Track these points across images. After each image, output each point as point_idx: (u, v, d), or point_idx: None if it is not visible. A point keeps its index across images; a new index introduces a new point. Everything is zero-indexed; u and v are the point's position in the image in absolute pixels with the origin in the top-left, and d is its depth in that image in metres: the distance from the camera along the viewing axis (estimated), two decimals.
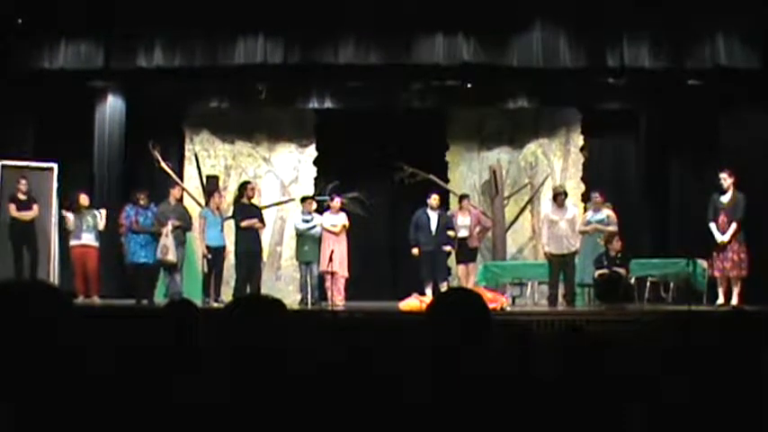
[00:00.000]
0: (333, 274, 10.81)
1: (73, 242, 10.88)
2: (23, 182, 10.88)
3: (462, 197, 12.04)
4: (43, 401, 1.71)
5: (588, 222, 11.12)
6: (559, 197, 10.88)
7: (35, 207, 10.98)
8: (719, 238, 10.05)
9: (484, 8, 10.48)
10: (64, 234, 11.08)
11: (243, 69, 10.93)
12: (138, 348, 2.93)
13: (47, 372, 1.74)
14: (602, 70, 11.13)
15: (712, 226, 10.13)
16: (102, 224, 10.90)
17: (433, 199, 11.33)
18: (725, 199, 10.13)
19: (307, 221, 11.24)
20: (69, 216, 10.87)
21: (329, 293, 10.86)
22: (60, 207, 11.18)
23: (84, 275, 10.81)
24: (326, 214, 11.40)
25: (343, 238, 11.30)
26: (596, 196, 11.31)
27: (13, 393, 1.70)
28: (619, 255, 10.42)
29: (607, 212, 11.14)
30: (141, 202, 10.61)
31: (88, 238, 10.84)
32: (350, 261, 11.37)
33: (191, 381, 2.20)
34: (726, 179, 10.12)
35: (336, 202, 11.48)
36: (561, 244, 10.63)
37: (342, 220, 11.35)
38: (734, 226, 9.99)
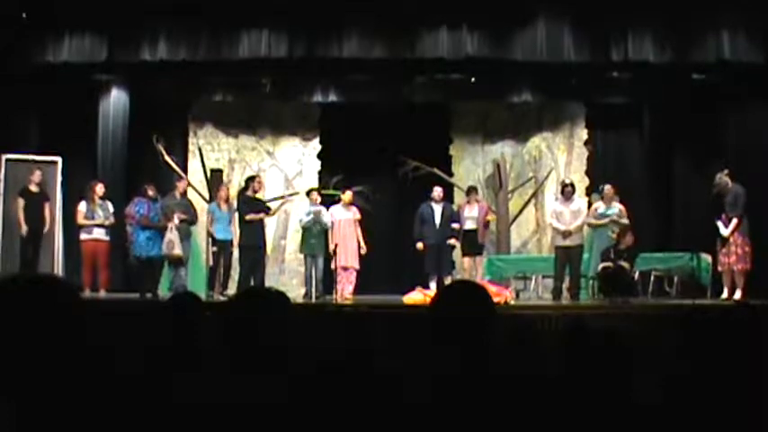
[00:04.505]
0: (346, 268, 10.82)
1: (84, 236, 10.92)
2: (37, 173, 10.91)
3: (470, 189, 11.97)
4: (45, 398, 1.72)
5: (602, 215, 10.91)
6: (566, 189, 10.83)
7: (46, 205, 11.03)
8: (725, 232, 10.09)
9: (488, 2, 10.48)
10: (73, 227, 11.09)
11: (247, 63, 10.91)
12: (141, 344, 2.92)
13: (51, 367, 1.75)
14: (607, 64, 11.11)
15: (718, 223, 10.17)
16: (112, 218, 10.96)
17: (436, 191, 11.31)
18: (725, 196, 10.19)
19: (308, 214, 11.15)
20: (81, 209, 10.90)
21: (339, 287, 10.84)
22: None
23: (93, 269, 10.89)
24: (337, 207, 11.32)
25: (353, 231, 11.23)
26: (609, 189, 11.03)
27: (16, 390, 1.70)
28: (628, 249, 10.36)
29: (619, 206, 10.98)
30: (150, 193, 10.59)
31: (99, 233, 10.93)
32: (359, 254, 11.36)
33: (191, 378, 2.20)
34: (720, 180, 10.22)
35: (348, 195, 11.39)
36: (567, 236, 10.60)
37: (352, 213, 11.28)
38: (734, 221, 10.03)
